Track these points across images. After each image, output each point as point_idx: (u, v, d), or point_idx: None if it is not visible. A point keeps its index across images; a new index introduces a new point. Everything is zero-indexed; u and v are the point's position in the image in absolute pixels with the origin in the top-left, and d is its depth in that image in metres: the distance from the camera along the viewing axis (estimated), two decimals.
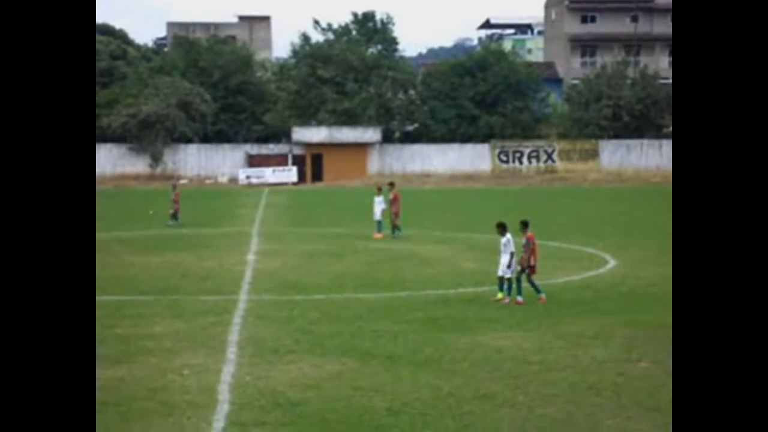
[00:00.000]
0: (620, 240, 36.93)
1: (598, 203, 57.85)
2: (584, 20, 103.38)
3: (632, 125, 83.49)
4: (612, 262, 30.83)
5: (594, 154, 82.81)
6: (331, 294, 24.36)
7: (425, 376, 15.75)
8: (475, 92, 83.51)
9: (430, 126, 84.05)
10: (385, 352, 17.51)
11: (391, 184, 40.17)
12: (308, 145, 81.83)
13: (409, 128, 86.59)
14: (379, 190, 39.69)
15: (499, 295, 22.97)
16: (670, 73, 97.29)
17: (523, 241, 23.29)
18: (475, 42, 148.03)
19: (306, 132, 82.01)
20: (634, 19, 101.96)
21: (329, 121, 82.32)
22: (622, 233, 39.76)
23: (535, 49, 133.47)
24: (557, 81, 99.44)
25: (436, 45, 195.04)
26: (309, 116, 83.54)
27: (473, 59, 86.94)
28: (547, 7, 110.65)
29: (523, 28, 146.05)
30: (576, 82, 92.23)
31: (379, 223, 38.42)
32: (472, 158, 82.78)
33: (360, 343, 18.23)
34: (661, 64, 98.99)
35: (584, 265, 30.19)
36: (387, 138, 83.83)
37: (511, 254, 22.86)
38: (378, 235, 37.75)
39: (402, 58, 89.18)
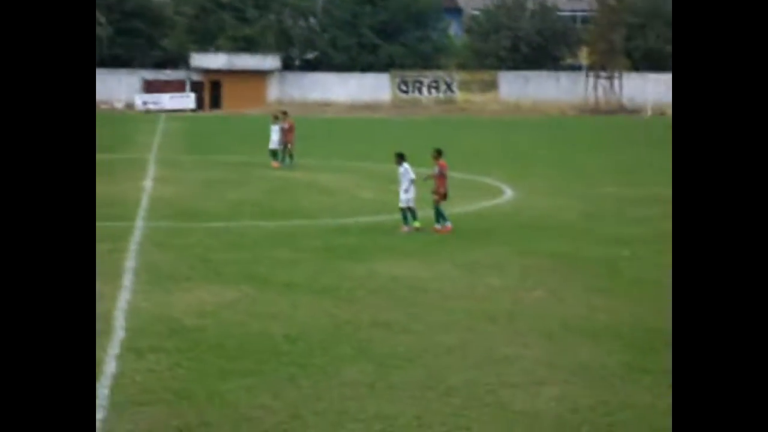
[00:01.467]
0: (517, 171, 37.33)
1: (496, 134, 58.30)
2: None
3: (531, 57, 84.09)
4: (509, 193, 31.18)
5: (493, 85, 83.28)
6: (229, 222, 24.23)
7: (323, 303, 15.81)
8: (376, 21, 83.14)
9: (330, 54, 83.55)
10: (282, 279, 17.51)
11: (284, 113, 39.84)
12: (207, 72, 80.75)
13: (310, 56, 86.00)
14: (276, 118, 39.15)
15: (416, 224, 23.04)
16: (568, 6, 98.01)
17: (436, 169, 23.44)
18: None
19: (204, 58, 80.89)
20: None
21: (228, 47, 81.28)
22: (519, 164, 40.19)
23: None
24: (458, 11, 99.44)
25: None
26: (208, 42, 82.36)
27: None
28: None
29: None
30: (476, 12, 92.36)
31: (275, 152, 38.06)
32: (372, 88, 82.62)
33: (258, 271, 18.21)
34: None
35: (481, 195, 30.48)
36: (287, 66, 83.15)
37: (411, 181, 22.94)
38: (276, 164, 37.48)
39: None
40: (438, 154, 23.62)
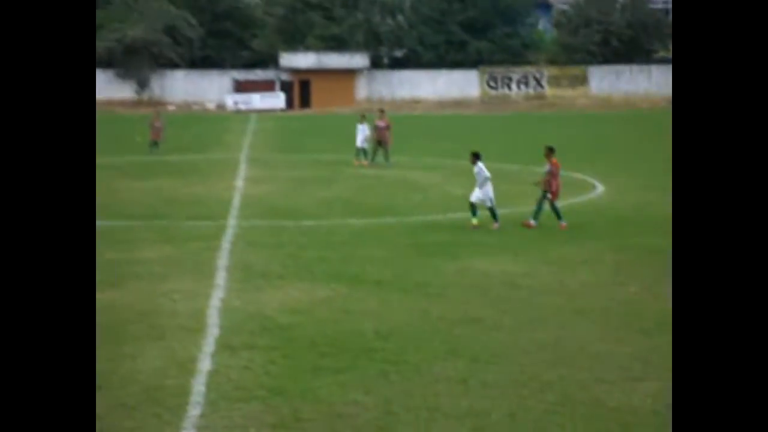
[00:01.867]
0: (608, 166, 36.93)
1: (586, 129, 57.77)
2: None
3: (621, 50, 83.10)
4: (600, 188, 30.88)
5: (583, 80, 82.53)
6: (320, 220, 24.37)
7: (414, 300, 15.81)
8: (464, 17, 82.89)
9: (418, 52, 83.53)
10: (373, 277, 17.55)
11: (381, 111, 39.80)
12: (296, 71, 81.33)
13: (398, 54, 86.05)
14: (363, 117, 39.15)
15: (474, 221, 22.93)
16: None
17: (547, 167, 23.39)
18: None
19: (294, 58, 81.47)
20: None
21: (317, 46, 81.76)
22: (611, 159, 39.77)
23: None
24: (547, 6, 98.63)
25: None
26: (297, 42, 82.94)
27: None
28: None
29: None
30: (565, 7, 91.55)
31: (362, 150, 38.02)
32: (460, 84, 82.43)
33: (349, 269, 18.27)
34: None
35: (573, 190, 30.19)
36: (375, 64, 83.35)
37: (485, 179, 22.82)
38: (360, 162, 37.54)
39: None
40: (550, 152, 23.63)
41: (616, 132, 55.32)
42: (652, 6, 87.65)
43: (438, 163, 38.30)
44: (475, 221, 22.92)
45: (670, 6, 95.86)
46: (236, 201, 27.75)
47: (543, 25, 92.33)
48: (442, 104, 79.93)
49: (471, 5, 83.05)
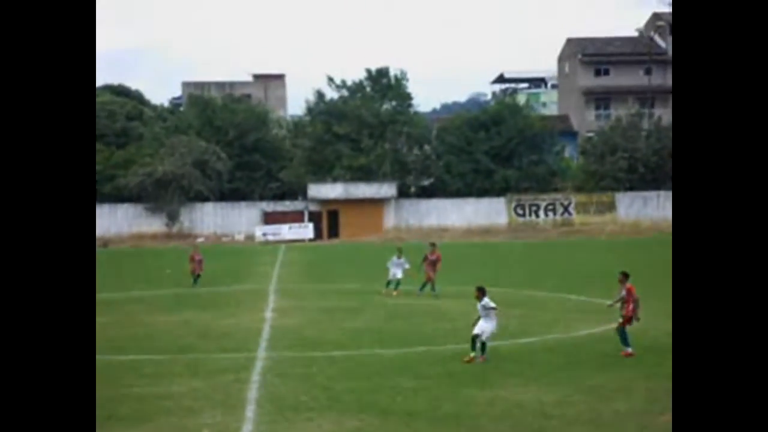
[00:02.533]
0: (639, 292, 36.63)
1: (616, 255, 57.60)
2: (597, 73, 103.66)
3: (648, 177, 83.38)
4: None
5: (611, 207, 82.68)
6: (349, 350, 24.24)
7: (445, 431, 15.58)
8: (490, 146, 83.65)
9: (445, 180, 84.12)
10: (404, 408, 17.35)
11: (433, 245, 40.35)
12: (324, 202, 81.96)
13: (425, 183, 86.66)
14: (400, 251, 39.40)
15: (472, 354, 22.37)
16: None
17: (623, 292, 23.19)
18: (489, 96, 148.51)
19: (322, 188, 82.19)
20: (648, 72, 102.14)
21: (345, 177, 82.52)
22: (642, 285, 39.46)
23: (549, 103, 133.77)
24: (572, 134, 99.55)
25: (450, 100, 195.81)
26: (324, 173, 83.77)
27: (488, 113, 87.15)
28: (560, 60, 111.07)
29: (537, 82, 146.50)
30: (591, 134, 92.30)
31: (398, 281, 38.01)
32: (488, 212, 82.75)
33: (379, 400, 18.09)
34: None
35: (604, 318, 29.96)
36: (403, 193, 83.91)
37: (492, 310, 22.55)
38: (395, 292, 37.53)
39: (416, 113, 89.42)
40: (625, 277, 23.51)
41: (646, 258, 55.10)
42: None
43: (466, 292, 38.12)
44: (473, 354, 22.39)
45: None
46: (265, 332, 27.68)
47: (569, 152, 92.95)
48: (470, 232, 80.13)
49: (496, 134, 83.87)
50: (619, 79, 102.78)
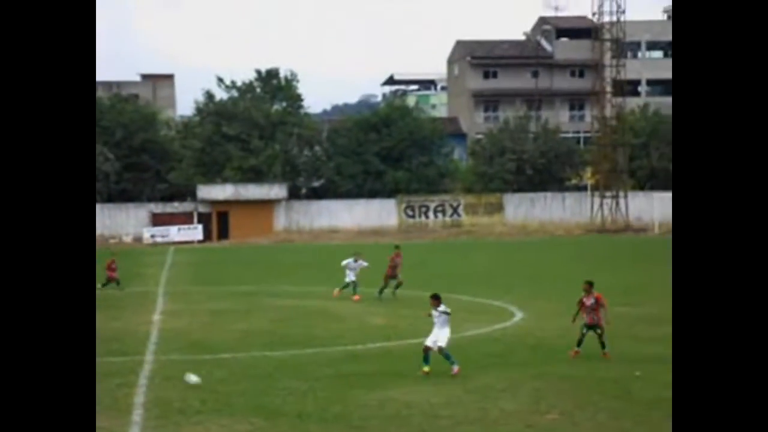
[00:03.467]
0: (526, 292, 37.26)
1: (503, 256, 58.36)
2: (486, 76, 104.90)
3: (536, 179, 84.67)
4: (519, 315, 31.08)
5: (499, 208, 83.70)
6: (238, 352, 24.12)
7: None
8: (381, 148, 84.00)
9: (336, 182, 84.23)
10: (294, 410, 17.35)
11: (397, 247, 40.12)
12: (214, 203, 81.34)
13: (316, 184, 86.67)
14: (357, 255, 37.92)
15: (426, 369, 20.85)
16: (570, 127, 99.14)
17: (592, 300, 22.99)
18: (380, 98, 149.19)
19: (211, 190, 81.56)
20: (535, 75, 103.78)
21: (235, 178, 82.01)
22: (528, 286, 40.13)
23: (438, 105, 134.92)
24: (461, 136, 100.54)
25: (340, 101, 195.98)
26: (214, 174, 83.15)
27: (378, 115, 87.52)
28: (449, 63, 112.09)
29: (427, 84, 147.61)
30: (480, 136, 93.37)
31: (355, 283, 36.66)
32: (378, 213, 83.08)
33: (268, 402, 18.05)
34: (561, 118, 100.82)
35: (492, 318, 30.37)
36: (293, 194, 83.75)
37: (447, 314, 21.43)
38: (357, 297, 36.06)
39: (307, 114, 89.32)
40: (591, 286, 23.30)
41: (533, 259, 55.95)
42: (563, 135, 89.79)
43: (358, 292, 38.25)
44: (427, 369, 20.97)
45: (580, 135, 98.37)
46: (154, 335, 27.38)
47: (458, 154, 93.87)
48: (360, 233, 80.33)
49: (387, 136, 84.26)
50: (507, 81, 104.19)
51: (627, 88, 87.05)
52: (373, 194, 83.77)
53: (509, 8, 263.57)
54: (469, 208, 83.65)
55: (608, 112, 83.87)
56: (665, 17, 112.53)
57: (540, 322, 29.21)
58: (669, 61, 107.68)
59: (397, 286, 37.10)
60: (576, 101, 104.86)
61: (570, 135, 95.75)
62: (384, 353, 23.65)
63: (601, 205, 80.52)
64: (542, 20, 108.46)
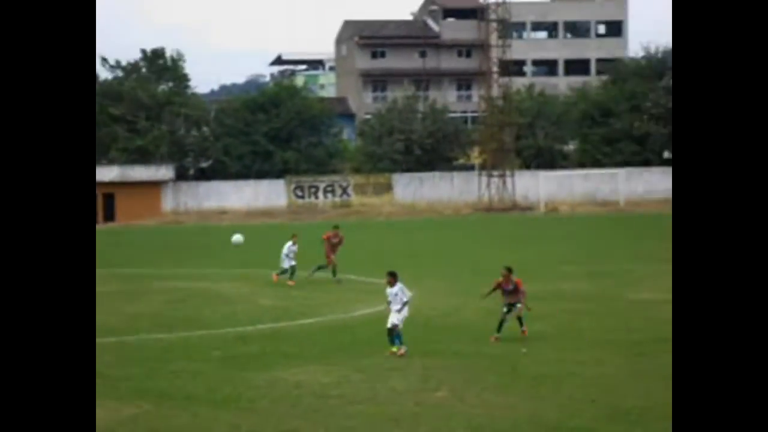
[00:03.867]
0: (415, 271, 37.48)
1: (393, 236, 58.68)
2: (374, 56, 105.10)
3: (424, 158, 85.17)
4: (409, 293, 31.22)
5: (388, 188, 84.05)
6: (126, 335, 23.83)
7: (224, 414, 15.57)
8: (269, 128, 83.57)
9: (224, 162, 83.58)
10: (182, 392, 17.23)
11: (336, 227, 37.63)
12: (99, 185, 79.95)
13: (204, 165, 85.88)
14: (294, 237, 36.04)
15: (394, 349, 20.80)
16: (458, 107, 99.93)
17: (511, 286, 22.72)
18: (268, 78, 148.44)
19: (97, 171, 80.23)
20: (423, 55, 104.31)
21: (121, 159, 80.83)
22: (417, 265, 40.40)
23: (327, 85, 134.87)
24: (350, 116, 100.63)
25: (228, 81, 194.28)
26: (100, 155, 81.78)
27: (266, 95, 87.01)
28: (337, 42, 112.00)
29: (315, 64, 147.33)
30: (368, 116, 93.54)
31: (289, 269, 34.75)
32: (268, 194, 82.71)
33: (156, 385, 17.89)
34: (449, 98, 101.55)
35: (381, 297, 30.46)
36: (181, 175, 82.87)
37: (404, 303, 21.53)
38: (292, 282, 34.40)
39: (194, 94, 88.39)
40: (509, 272, 22.98)
41: (422, 238, 56.37)
42: (451, 115, 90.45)
43: (247, 274, 38.11)
44: (395, 349, 20.80)
45: (468, 115, 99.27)
46: None
47: (347, 134, 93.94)
48: (250, 214, 79.92)
49: (275, 116, 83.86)
50: (395, 61, 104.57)
51: (513, 68, 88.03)
52: (261, 175, 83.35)
53: None
54: (359, 188, 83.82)
55: (495, 92, 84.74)
56: None
57: (429, 300, 29.45)
58: (553, 42, 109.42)
59: (334, 270, 35.39)
60: (463, 81, 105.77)
61: (458, 115, 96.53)
62: (273, 334, 23.62)
63: (489, 184, 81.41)
64: (429, 0, 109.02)
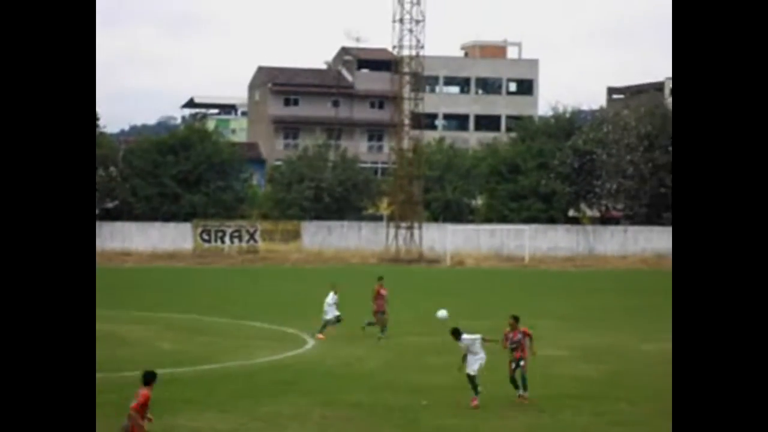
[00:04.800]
0: (320, 320, 37.38)
1: (298, 284, 58.46)
2: (287, 103, 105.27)
3: (333, 207, 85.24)
4: (311, 342, 31.18)
5: (296, 235, 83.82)
6: None
7: None
8: (178, 170, 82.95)
9: (131, 203, 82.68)
10: None
11: (380, 279, 35.43)
12: None
13: (110, 205, 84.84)
14: (334, 287, 34.40)
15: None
16: (369, 157, 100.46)
17: (519, 336, 22.46)
18: (179, 120, 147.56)
19: None
20: (335, 104, 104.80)
21: None
22: (322, 313, 40.28)
23: (239, 130, 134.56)
24: (260, 162, 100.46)
25: (139, 122, 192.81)
26: None
27: (176, 137, 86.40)
28: (251, 88, 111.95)
29: (228, 109, 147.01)
30: (279, 163, 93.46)
31: (338, 318, 33.08)
32: (174, 237, 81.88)
33: None
34: (360, 148, 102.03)
35: (284, 345, 30.37)
36: None
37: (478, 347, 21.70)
38: (321, 336, 32.38)
39: (103, 134, 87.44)
40: (516, 321, 22.77)
41: (328, 287, 56.20)
42: (361, 165, 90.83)
43: (149, 317, 37.64)
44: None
45: (378, 166, 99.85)
46: None
47: (257, 179, 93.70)
48: (155, 257, 78.99)
49: (185, 158, 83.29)
50: (307, 109, 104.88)
51: (424, 121, 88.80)
52: (168, 217, 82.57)
53: (312, 37, 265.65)
54: (266, 234, 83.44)
55: (406, 144, 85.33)
56: (462, 54, 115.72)
57: (332, 349, 29.40)
58: (465, 97, 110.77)
59: (382, 325, 33.19)
60: (375, 132, 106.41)
61: (368, 165, 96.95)
62: (172, 379, 23.32)
63: (396, 235, 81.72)
64: (344, 50, 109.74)
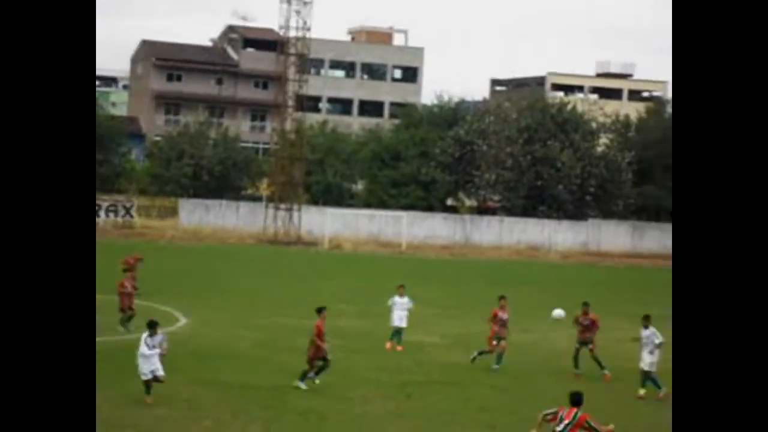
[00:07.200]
0: (193, 298, 37.07)
1: (174, 261, 57.82)
2: (170, 78, 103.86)
3: (212, 185, 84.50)
4: (183, 320, 30.90)
5: (173, 212, 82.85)
6: None
7: None
8: None
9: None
10: None
11: (503, 298, 26.91)
12: None
13: None
14: (402, 288, 29.40)
15: (642, 392, 22.80)
16: (251, 137, 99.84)
17: (588, 321, 24.18)
18: None
19: None
20: (219, 82, 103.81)
21: None
22: (196, 292, 39.97)
23: (119, 103, 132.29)
24: (140, 136, 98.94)
25: None
26: None
27: None
28: (133, 61, 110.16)
29: (108, 81, 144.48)
30: (159, 138, 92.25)
31: (400, 330, 28.70)
32: None
33: None
34: (243, 127, 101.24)
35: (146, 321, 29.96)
36: None
37: (656, 345, 22.47)
38: (400, 347, 28.23)
39: None
40: (587, 306, 24.43)
41: (203, 265, 55.79)
42: (243, 145, 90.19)
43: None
44: (643, 392, 22.87)
45: (260, 146, 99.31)
46: None
47: (135, 154, 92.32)
48: None
49: None
50: (191, 86, 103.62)
51: (308, 103, 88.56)
52: None
53: (198, 14, 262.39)
54: (143, 209, 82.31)
55: (288, 125, 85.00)
56: (349, 38, 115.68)
57: (204, 328, 29.19)
58: (349, 81, 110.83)
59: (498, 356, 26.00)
60: (258, 112, 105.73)
61: (250, 145, 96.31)
62: None
63: (275, 216, 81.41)
64: (230, 28, 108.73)
